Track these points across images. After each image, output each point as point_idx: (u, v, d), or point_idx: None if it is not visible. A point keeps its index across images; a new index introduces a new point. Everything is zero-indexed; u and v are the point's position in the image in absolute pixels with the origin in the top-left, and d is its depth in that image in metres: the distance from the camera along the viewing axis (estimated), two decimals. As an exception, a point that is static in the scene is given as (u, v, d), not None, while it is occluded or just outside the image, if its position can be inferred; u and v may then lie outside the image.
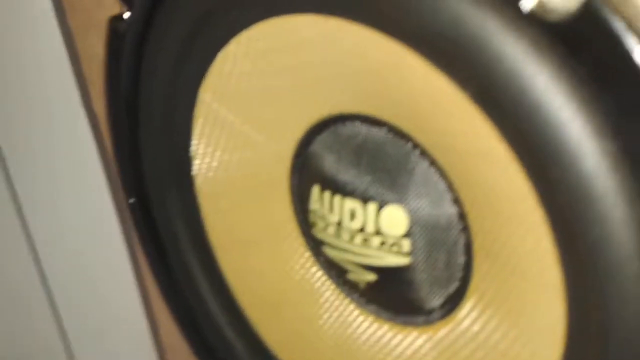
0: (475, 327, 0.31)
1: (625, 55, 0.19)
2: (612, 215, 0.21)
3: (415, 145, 0.32)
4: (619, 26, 0.19)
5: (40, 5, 0.51)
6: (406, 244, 0.33)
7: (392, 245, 0.33)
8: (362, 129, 0.33)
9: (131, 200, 0.45)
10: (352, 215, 0.34)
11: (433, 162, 0.31)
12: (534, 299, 0.27)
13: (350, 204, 0.34)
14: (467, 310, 0.32)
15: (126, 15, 0.37)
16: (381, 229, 0.34)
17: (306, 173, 0.37)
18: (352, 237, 0.35)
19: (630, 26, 0.19)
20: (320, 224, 0.36)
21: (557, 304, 0.26)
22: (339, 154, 0.35)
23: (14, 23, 0.51)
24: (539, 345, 0.27)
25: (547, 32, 0.20)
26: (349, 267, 0.36)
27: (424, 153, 0.31)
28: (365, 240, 0.34)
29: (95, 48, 0.49)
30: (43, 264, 0.62)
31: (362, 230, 0.34)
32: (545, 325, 0.26)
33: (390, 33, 0.25)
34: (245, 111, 0.36)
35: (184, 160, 0.39)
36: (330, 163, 0.35)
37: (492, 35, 0.21)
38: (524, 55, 0.21)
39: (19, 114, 0.56)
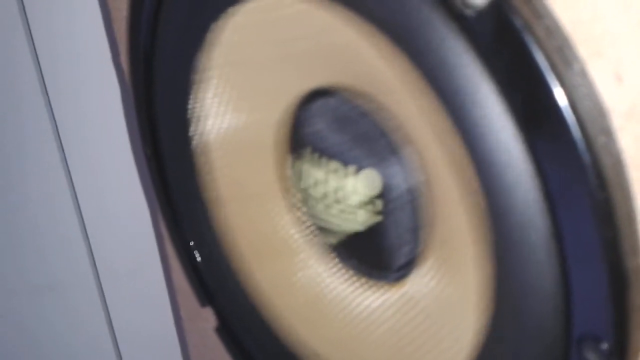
0: (428, 286, 0.35)
1: (522, 51, 0.22)
2: (516, 186, 0.24)
3: (391, 119, 0.35)
4: (519, 24, 0.21)
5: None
6: (378, 205, 0.36)
7: (366, 205, 0.37)
8: (342, 101, 0.37)
9: (148, 152, 0.49)
10: (331, 178, 0.38)
11: (406, 136, 0.34)
12: (465, 262, 0.30)
13: (333, 165, 0.38)
14: (424, 271, 0.36)
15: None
16: (356, 190, 0.37)
17: (292, 139, 0.40)
18: (326, 198, 0.38)
19: (528, 25, 0.21)
20: (302, 186, 0.40)
21: (482, 263, 0.29)
22: (323, 123, 0.38)
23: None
24: (469, 298, 0.31)
25: (467, 24, 0.23)
26: (325, 226, 0.40)
27: (397, 127, 0.35)
28: (338, 201, 0.38)
29: (125, 11, 0.53)
30: (83, 213, 0.68)
31: (336, 191, 0.38)
32: (474, 281, 0.30)
33: (356, 14, 0.29)
34: (241, 79, 0.40)
35: (188, 120, 0.43)
36: (313, 130, 0.38)
37: (427, 26, 0.24)
38: (452, 44, 0.24)
39: (62, 69, 0.61)
